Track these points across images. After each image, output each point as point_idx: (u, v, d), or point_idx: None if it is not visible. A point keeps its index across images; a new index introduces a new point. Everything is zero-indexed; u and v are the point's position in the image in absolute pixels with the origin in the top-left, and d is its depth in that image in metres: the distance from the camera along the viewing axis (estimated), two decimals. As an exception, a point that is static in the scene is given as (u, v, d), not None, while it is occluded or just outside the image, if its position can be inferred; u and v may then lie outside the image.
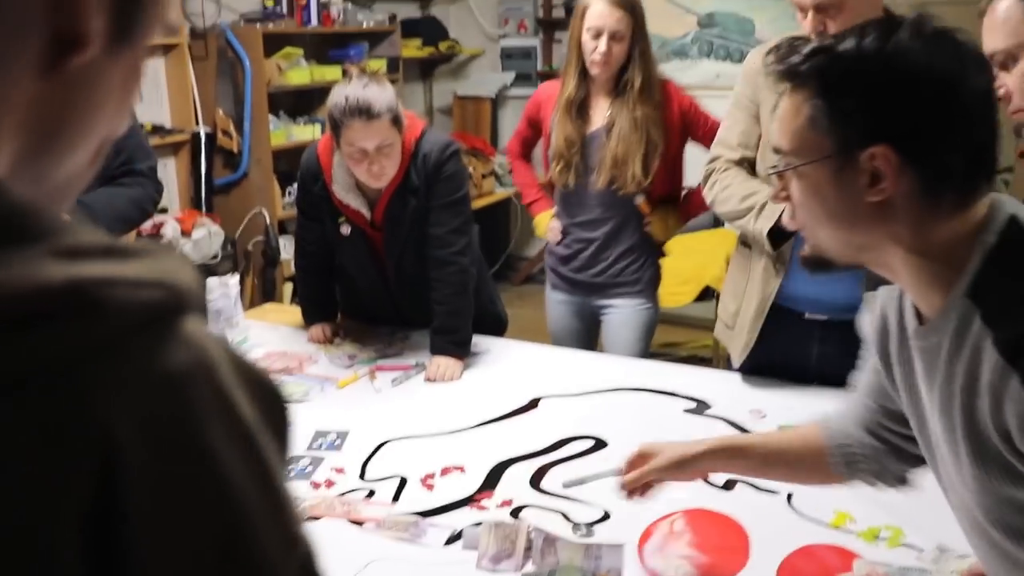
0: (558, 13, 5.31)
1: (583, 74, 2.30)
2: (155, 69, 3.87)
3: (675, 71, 4.56)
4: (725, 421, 1.85)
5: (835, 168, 0.90)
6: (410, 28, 5.31)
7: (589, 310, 2.49)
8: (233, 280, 2.18)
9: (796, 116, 0.92)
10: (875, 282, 1.85)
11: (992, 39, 1.38)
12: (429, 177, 2.07)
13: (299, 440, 1.76)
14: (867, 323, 1.14)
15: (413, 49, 5.24)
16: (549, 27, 5.39)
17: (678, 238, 4.27)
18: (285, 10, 4.11)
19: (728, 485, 1.58)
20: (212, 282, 2.17)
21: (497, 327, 2.41)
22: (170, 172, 4.02)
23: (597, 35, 2.21)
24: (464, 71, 5.85)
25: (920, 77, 0.85)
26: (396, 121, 1.96)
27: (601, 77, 2.28)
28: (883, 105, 0.86)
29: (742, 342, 2.05)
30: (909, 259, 0.92)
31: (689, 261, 3.68)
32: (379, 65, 4.65)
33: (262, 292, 4.02)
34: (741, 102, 2.01)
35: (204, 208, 3.93)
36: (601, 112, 2.34)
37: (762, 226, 1.86)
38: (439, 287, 2.10)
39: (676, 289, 4.03)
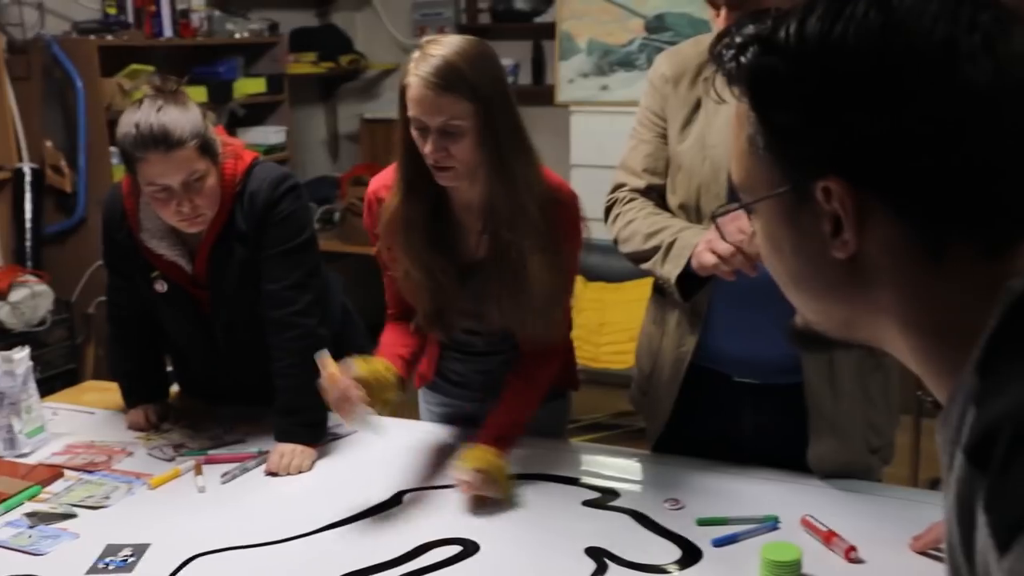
0: (484, 19, 5.36)
1: (425, 177, 1.83)
2: (-34, 92, 3.79)
3: (620, 85, 4.61)
4: (631, 514, 1.78)
5: (788, 210, 0.77)
6: (304, 40, 5.31)
7: (478, 412, 2.10)
8: (20, 355, 2.08)
9: (738, 135, 0.80)
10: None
11: None
12: (259, 220, 2.02)
13: (81, 560, 1.66)
14: None
15: (307, 65, 5.23)
16: (476, 36, 5.42)
17: (606, 290, 4.28)
18: (131, 19, 4.07)
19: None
20: (-11, 357, 2.07)
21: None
22: (-12, 219, 3.92)
23: (422, 129, 1.76)
24: (374, 90, 5.86)
25: (873, 69, 0.70)
26: (206, 148, 1.92)
27: (448, 184, 1.83)
28: (827, 115, 0.71)
29: (658, 413, 2.01)
30: (908, 337, 0.76)
31: (628, 314, 3.64)
32: (256, 85, 4.65)
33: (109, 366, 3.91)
34: (646, 118, 1.99)
35: (30, 262, 3.83)
36: (469, 239, 1.92)
37: (670, 271, 1.82)
38: (280, 357, 2.04)
39: (622, 347, 3.99)
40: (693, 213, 1.89)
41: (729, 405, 1.95)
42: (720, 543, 1.67)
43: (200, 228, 2.00)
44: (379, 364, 1.88)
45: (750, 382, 1.91)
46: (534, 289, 1.84)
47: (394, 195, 1.89)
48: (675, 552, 1.66)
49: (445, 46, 1.74)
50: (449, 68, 1.71)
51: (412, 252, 1.89)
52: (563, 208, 1.89)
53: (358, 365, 1.82)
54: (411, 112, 1.75)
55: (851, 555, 1.61)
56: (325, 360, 1.79)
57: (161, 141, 1.85)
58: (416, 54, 1.76)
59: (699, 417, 1.98)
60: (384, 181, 1.96)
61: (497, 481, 1.82)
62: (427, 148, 1.75)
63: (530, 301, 1.85)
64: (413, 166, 1.83)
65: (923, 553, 1.61)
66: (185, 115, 1.89)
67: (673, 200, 1.94)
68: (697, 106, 1.89)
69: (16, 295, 3.55)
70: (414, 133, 1.77)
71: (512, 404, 1.95)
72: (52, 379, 3.74)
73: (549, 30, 4.86)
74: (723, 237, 1.60)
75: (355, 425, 1.82)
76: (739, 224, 1.48)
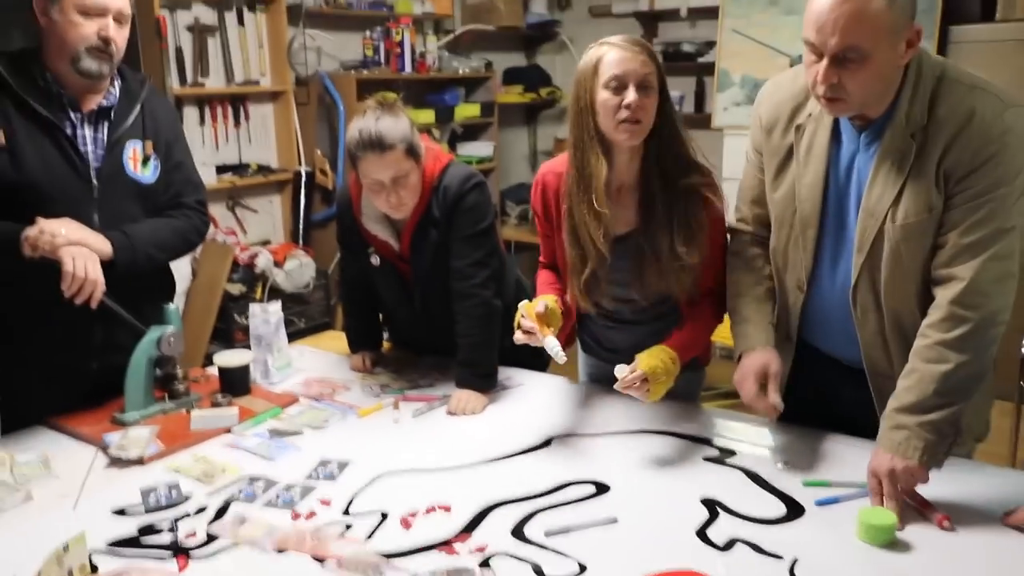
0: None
1: (605, 147, 1.66)
2: (264, 114, 3.96)
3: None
4: (744, 472, 1.60)
5: None
6: (513, 75, 5.26)
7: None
8: (274, 307, 2.12)
9: None
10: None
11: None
12: (449, 210, 1.95)
13: (300, 468, 1.66)
14: None
15: (515, 95, 5.18)
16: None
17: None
18: (382, 59, 4.13)
19: (728, 546, 1.35)
20: (254, 308, 2.11)
21: (537, 361, 2.22)
22: (276, 208, 4.09)
23: (621, 86, 1.60)
24: (567, 116, 5.75)
25: None
26: (411, 152, 1.86)
27: (631, 142, 1.64)
28: None
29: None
30: None
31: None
32: (473, 110, 4.63)
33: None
34: (751, 149, 1.69)
35: (300, 241, 3.97)
36: (628, 201, 1.74)
37: (735, 351, 1.61)
38: (461, 320, 1.97)
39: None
40: (781, 262, 1.63)
41: (829, 379, 1.70)
42: (822, 503, 1.46)
43: (404, 215, 1.95)
44: (550, 299, 1.72)
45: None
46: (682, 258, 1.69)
47: (590, 167, 1.68)
48: (780, 508, 1.47)
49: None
50: (635, 40, 1.64)
51: (580, 218, 1.73)
52: (705, 179, 1.72)
53: (545, 300, 1.69)
54: (611, 72, 1.59)
55: (944, 524, 1.37)
56: (525, 305, 1.70)
57: (376, 145, 1.81)
58: (596, 46, 1.65)
59: (802, 391, 1.74)
60: (552, 167, 1.85)
61: (650, 389, 1.62)
62: (629, 98, 1.58)
63: (679, 267, 1.69)
64: (598, 135, 1.64)
65: (1016, 527, 1.35)
66: (397, 124, 1.84)
67: (771, 240, 1.66)
68: (789, 154, 1.57)
69: (289, 264, 3.69)
70: (606, 95, 1.60)
71: (691, 324, 1.76)
72: (313, 328, 3.87)
73: (710, 68, 4.60)
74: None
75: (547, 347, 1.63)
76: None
